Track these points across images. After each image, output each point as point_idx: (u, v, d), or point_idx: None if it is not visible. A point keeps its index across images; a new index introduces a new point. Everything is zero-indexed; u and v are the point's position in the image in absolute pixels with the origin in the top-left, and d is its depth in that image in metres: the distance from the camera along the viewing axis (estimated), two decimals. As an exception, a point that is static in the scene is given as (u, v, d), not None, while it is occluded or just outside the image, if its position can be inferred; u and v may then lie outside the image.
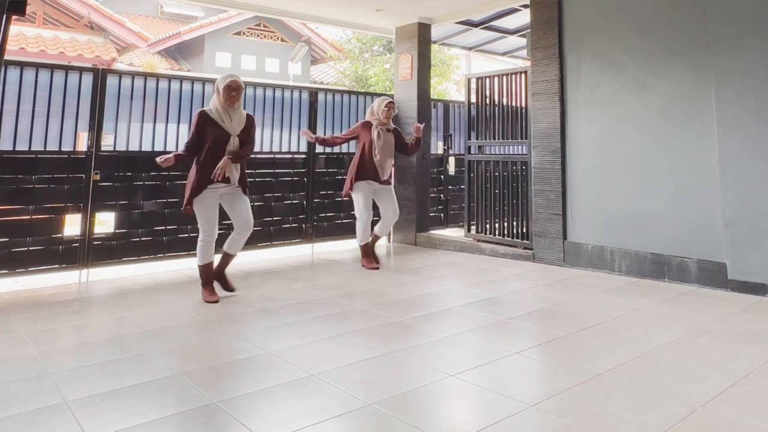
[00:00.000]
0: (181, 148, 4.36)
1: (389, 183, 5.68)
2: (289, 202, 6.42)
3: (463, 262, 5.81)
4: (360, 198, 5.53)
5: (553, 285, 4.75)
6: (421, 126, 5.80)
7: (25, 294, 4.51)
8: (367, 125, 5.63)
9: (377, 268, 5.43)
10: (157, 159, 4.12)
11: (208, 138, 4.17)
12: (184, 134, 5.72)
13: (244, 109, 6.09)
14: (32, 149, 4.89)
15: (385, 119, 5.59)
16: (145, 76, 5.71)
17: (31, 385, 2.63)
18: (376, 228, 5.70)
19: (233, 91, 4.22)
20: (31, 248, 4.84)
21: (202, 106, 5.84)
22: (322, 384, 2.65)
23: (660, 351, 3.09)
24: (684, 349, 3.13)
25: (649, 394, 2.53)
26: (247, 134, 4.34)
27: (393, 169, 5.79)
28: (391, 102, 5.66)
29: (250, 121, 4.39)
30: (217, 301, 4.17)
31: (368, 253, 5.55)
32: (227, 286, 4.38)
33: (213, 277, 4.31)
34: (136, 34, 13.50)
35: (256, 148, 6.19)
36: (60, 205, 4.98)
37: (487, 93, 6.71)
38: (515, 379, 2.78)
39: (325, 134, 6.72)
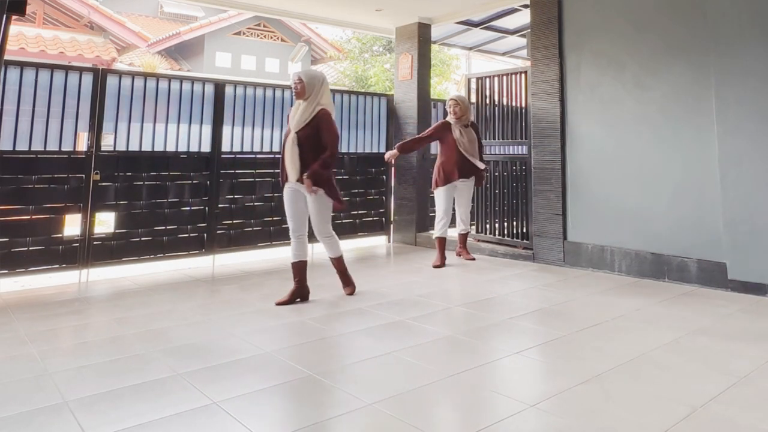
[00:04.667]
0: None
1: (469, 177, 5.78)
2: (289, 202, 6.40)
3: (463, 262, 5.81)
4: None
5: (553, 285, 4.75)
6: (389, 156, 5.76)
7: (25, 294, 4.51)
8: (447, 125, 5.77)
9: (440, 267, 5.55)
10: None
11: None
12: (184, 134, 5.73)
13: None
14: (32, 149, 4.88)
15: (454, 118, 5.72)
16: (145, 76, 5.71)
17: (31, 385, 2.63)
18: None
19: (292, 84, 4.20)
20: (31, 248, 4.84)
21: (202, 106, 5.88)
22: (322, 384, 2.65)
23: (660, 351, 3.09)
24: (684, 349, 3.13)
25: (649, 394, 2.53)
26: (312, 131, 4.09)
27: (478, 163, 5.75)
28: (451, 99, 5.80)
29: (315, 119, 4.10)
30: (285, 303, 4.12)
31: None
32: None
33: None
34: (136, 34, 13.51)
35: (256, 148, 6.22)
36: (60, 205, 4.98)
37: (487, 93, 6.71)
38: (515, 379, 2.78)
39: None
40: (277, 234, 6.24)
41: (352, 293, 4.38)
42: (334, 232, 4.32)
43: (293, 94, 4.20)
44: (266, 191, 6.22)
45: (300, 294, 4.20)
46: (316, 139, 4.09)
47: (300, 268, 4.22)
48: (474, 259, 5.91)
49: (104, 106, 5.26)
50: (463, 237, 5.98)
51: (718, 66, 4.60)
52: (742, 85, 4.45)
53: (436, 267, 5.51)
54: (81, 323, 3.71)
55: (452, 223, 5.85)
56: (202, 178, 5.80)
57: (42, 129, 4.95)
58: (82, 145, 5.23)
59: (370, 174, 7.18)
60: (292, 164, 4.10)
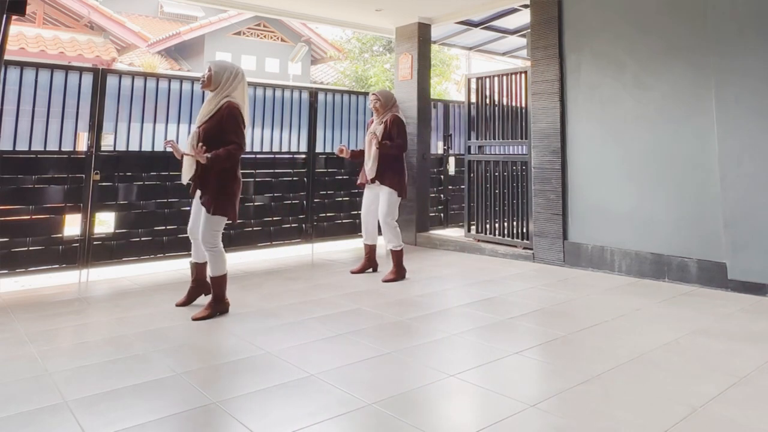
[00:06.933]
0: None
1: (374, 182, 5.09)
2: (289, 202, 6.42)
3: (463, 262, 5.81)
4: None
5: (553, 285, 4.75)
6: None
7: (25, 294, 4.51)
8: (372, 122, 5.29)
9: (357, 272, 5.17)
10: None
11: None
12: (184, 134, 5.73)
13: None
14: (32, 149, 4.88)
15: (375, 114, 5.24)
16: (145, 76, 5.71)
17: (31, 385, 2.63)
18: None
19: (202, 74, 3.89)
20: (31, 248, 4.84)
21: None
22: (322, 384, 2.65)
23: (660, 351, 3.09)
24: (684, 349, 3.13)
25: (649, 394, 2.53)
26: (215, 126, 3.71)
27: (384, 166, 5.03)
28: (372, 94, 5.28)
29: (219, 113, 3.74)
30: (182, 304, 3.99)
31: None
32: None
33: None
34: (136, 34, 13.51)
35: (255, 148, 6.21)
36: (60, 205, 4.98)
37: (487, 93, 6.71)
38: (515, 379, 2.78)
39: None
40: (277, 234, 6.24)
41: (200, 317, 3.73)
42: (221, 246, 3.80)
43: (201, 84, 3.86)
44: (266, 191, 6.22)
45: (196, 293, 4.04)
46: (219, 137, 3.68)
47: (197, 269, 4.01)
48: (395, 280, 4.92)
49: (104, 106, 5.26)
50: (392, 253, 5.01)
51: (718, 66, 4.60)
52: (742, 85, 4.45)
53: (353, 273, 5.19)
54: (81, 323, 3.71)
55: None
56: (202, 178, 5.79)
57: (42, 129, 4.95)
58: (82, 145, 5.23)
59: (370, 174, 7.16)
60: (188, 162, 3.77)
